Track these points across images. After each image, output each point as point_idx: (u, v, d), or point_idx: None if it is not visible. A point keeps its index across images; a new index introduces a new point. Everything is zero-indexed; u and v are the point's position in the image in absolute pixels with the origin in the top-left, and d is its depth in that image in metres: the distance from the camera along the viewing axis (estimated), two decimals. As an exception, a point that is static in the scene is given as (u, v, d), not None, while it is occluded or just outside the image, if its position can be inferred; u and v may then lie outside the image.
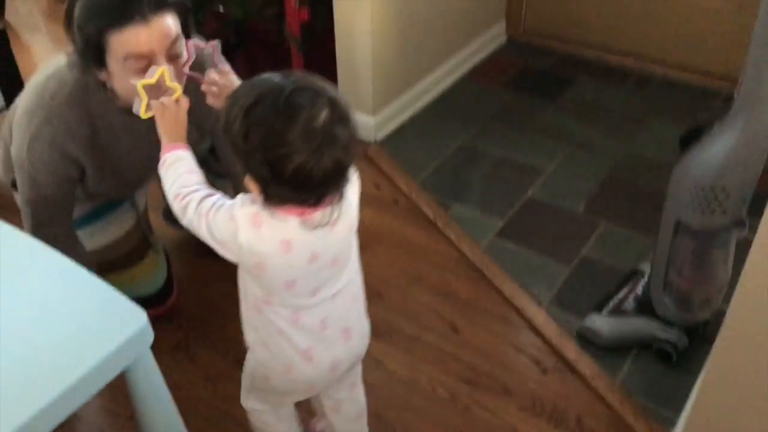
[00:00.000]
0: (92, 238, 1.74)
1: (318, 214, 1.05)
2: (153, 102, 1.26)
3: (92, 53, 1.32)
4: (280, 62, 2.44)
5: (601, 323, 1.73)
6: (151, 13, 1.28)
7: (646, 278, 1.74)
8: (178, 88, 1.28)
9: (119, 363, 1.14)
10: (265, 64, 1.13)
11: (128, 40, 1.27)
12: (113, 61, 1.31)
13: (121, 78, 1.33)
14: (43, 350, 1.11)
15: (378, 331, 1.80)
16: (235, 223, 1.07)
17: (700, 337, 1.70)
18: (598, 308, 1.76)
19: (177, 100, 1.26)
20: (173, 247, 2.00)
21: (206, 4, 2.36)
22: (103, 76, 1.36)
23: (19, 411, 1.01)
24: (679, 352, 1.65)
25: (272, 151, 0.98)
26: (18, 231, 1.35)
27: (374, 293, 1.92)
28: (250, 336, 1.25)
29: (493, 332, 1.81)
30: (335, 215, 1.06)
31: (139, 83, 1.26)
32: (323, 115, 0.98)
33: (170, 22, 1.31)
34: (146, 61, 1.29)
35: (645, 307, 1.70)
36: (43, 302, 1.19)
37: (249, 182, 1.04)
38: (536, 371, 1.71)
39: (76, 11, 1.31)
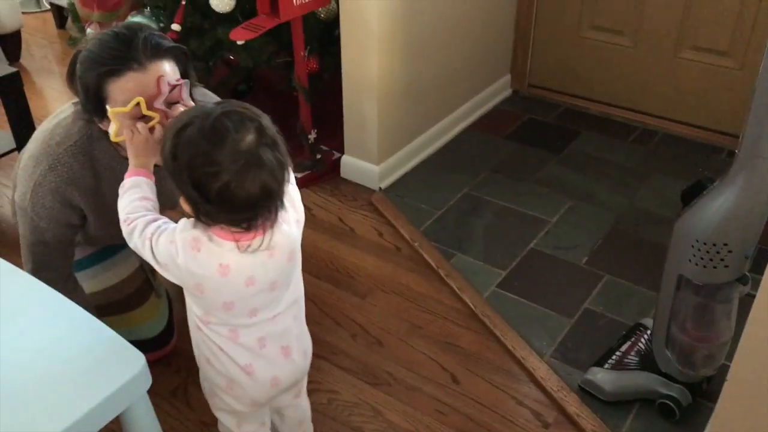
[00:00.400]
0: (94, 279, 1.74)
1: (252, 240, 1.11)
2: (125, 125, 1.28)
3: (93, 103, 1.34)
4: (288, 110, 2.48)
5: (603, 377, 1.71)
6: (147, 60, 1.30)
7: (648, 333, 1.73)
8: (155, 116, 1.30)
9: (116, 407, 1.13)
10: (273, 113, 1.15)
11: (126, 87, 1.29)
12: (112, 107, 1.32)
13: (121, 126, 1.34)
14: (40, 391, 1.11)
15: (378, 379, 1.80)
16: (174, 246, 1.13)
17: (704, 393, 1.68)
18: (600, 362, 1.75)
19: (151, 128, 1.29)
20: (176, 290, 2.00)
21: (217, 51, 2.41)
22: (104, 125, 1.38)
23: (13, 453, 1.01)
24: (682, 408, 1.63)
25: (198, 170, 1.05)
26: (22, 271, 1.36)
27: (375, 341, 1.91)
28: (196, 353, 1.30)
29: (494, 384, 1.79)
30: (267, 241, 1.11)
31: (111, 110, 1.29)
32: (249, 138, 1.05)
33: (167, 68, 1.33)
34: (136, 112, 1.29)
35: (648, 362, 1.68)
36: (42, 343, 1.19)
37: (183, 203, 1.11)
38: (537, 425, 1.68)
39: (78, 65, 1.34)
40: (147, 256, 1.18)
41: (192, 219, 1.13)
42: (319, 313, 1.99)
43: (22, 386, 1.11)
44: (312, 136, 2.50)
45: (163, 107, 1.30)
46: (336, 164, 2.58)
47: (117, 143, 1.40)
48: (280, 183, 1.09)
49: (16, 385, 1.11)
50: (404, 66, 2.40)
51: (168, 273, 1.17)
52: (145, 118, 1.29)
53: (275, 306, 1.23)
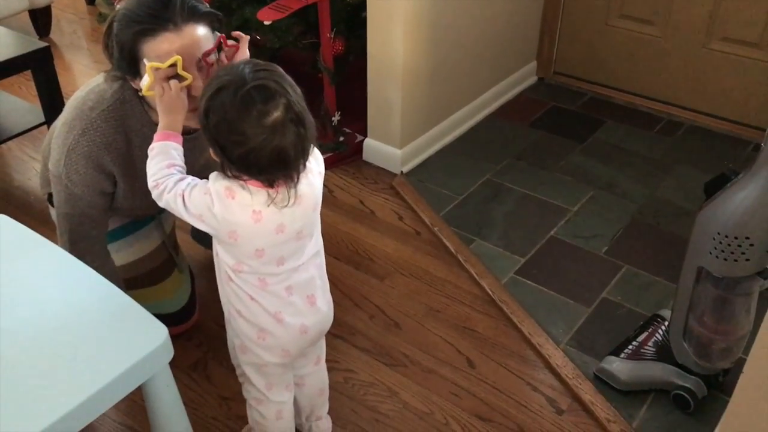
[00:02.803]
0: (117, 254, 1.77)
1: (277, 193, 1.17)
2: (157, 82, 1.30)
3: (127, 61, 1.37)
4: (312, 92, 2.48)
5: (619, 366, 1.71)
6: (183, 22, 1.33)
7: (666, 324, 1.73)
8: (189, 78, 1.32)
9: (138, 377, 1.16)
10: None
11: (160, 47, 1.32)
12: (146, 68, 1.35)
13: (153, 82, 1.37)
14: (66, 360, 1.14)
15: (394, 361, 1.82)
16: (209, 197, 1.19)
17: (719, 385, 1.68)
18: (617, 351, 1.75)
19: (183, 89, 1.32)
20: (200, 266, 2.04)
21: (243, 31, 2.42)
22: (137, 83, 1.41)
23: (40, 418, 1.04)
24: (697, 400, 1.63)
25: (223, 135, 1.13)
26: (50, 243, 1.39)
27: (392, 323, 1.93)
28: (225, 310, 1.35)
29: (509, 369, 1.80)
30: (292, 198, 1.18)
31: (149, 64, 1.30)
32: (275, 114, 1.11)
33: (201, 31, 1.36)
34: (172, 71, 1.32)
35: (664, 353, 1.68)
36: (68, 313, 1.22)
37: (213, 154, 1.18)
38: (551, 411, 1.69)
39: (115, 23, 1.37)
40: (179, 210, 1.22)
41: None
42: (338, 294, 2.01)
43: (48, 355, 1.15)
44: (336, 118, 2.51)
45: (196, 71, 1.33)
46: (359, 147, 2.59)
47: (149, 105, 1.45)
48: (299, 155, 1.16)
49: (42, 354, 1.15)
50: (430, 50, 2.40)
51: (202, 224, 1.21)
52: (178, 78, 1.32)
53: (300, 256, 1.29)
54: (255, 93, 1.11)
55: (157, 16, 1.32)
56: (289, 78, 1.17)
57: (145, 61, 1.31)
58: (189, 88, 1.33)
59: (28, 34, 2.65)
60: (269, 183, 1.17)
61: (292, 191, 1.18)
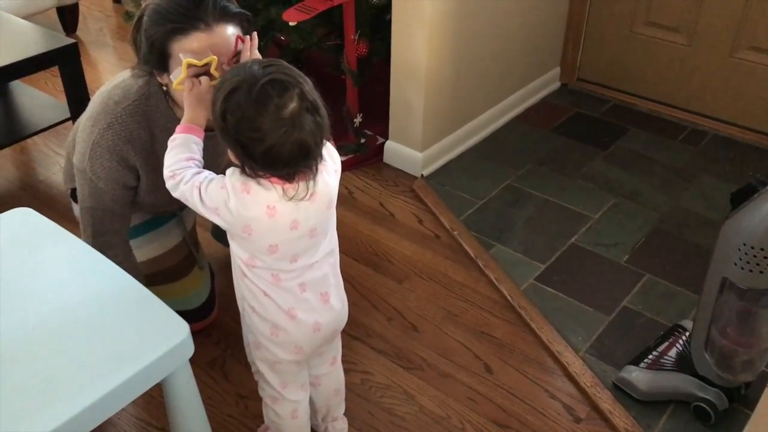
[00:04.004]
0: (138, 250, 1.78)
1: (294, 187, 1.18)
2: (188, 78, 1.32)
3: (156, 57, 1.38)
4: (335, 94, 2.49)
5: (638, 375, 1.70)
6: (214, 21, 1.34)
7: (687, 335, 1.71)
8: (218, 78, 1.32)
9: (160, 372, 1.16)
10: (320, 95, 1.19)
11: (191, 45, 1.33)
12: (175, 65, 1.36)
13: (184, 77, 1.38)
14: (87, 354, 1.14)
15: (411, 364, 1.81)
16: (226, 191, 1.20)
17: (741, 398, 1.66)
18: (636, 361, 1.73)
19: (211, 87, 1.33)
20: (219, 264, 2.05)
21: (268, 31, 2.43)
22: (164, 79, 1.42)
23: (61, 411, 1.05)
24: (718, 412, 1.61)
25: (243, 134, 1.14)
26: (73, 236, 1.41)
27: (410, 326, 1.93)
28: (240, 306, 1.36)
29: (527, 375, 1.79)
30: (310, 190, 1.20)
31: (186, 60, 1.31)
32: (291, 105, 1.12)
33: (231, 31, 1.37)
34: (204, 69, 1.33)
35: (685, 363, 1.67)
36: (90, 307, 1.23)
37: (230, 154, 1.19)
38: (569, 419, 1.68)
39: (145, 18, 1.38)
40: (194, 202, 1.23)
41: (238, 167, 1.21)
42: (356, 295, 2.01)
43: (70, 348, 1.15)
44: (357, 120, 2.51)
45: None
46: (380, 149, 2.59)
47: (174, 101, 1.47)
48: (318, 143, 1.18)
49: (64, 347, 1.16)
50: (454, 54, 2.39)
51: (217, 217, 1.22)
52: (210, 76, 1.33)
53: (313, 253, 1.30)
54: (269, 87, 1.12)
55: (189, 15, 1.33)
56: (296, 69, 1.18)
57: (181, 56, 1.32)
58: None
59: (56, 31, 2.68)
60: (290, 177, 1.17)
61: (311, 183, 1.19)
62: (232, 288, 1.37)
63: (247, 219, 1.20)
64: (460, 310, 1.98)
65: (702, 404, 1.62)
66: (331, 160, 1.27)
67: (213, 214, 1.22)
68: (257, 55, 1.39)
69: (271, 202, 1.19)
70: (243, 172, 1.19)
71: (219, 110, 1.15)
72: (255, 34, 1.40)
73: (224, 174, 1.23)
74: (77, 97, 2.31)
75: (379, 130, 2.61)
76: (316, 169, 1.20)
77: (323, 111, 1.17)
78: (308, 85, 1.16)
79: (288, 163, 1.15)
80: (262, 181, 1.18)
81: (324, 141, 1.20)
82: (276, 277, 1.28)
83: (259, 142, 1.13)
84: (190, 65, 1.31)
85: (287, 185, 1.18)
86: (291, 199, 1.19)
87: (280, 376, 1.40)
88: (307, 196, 1.20)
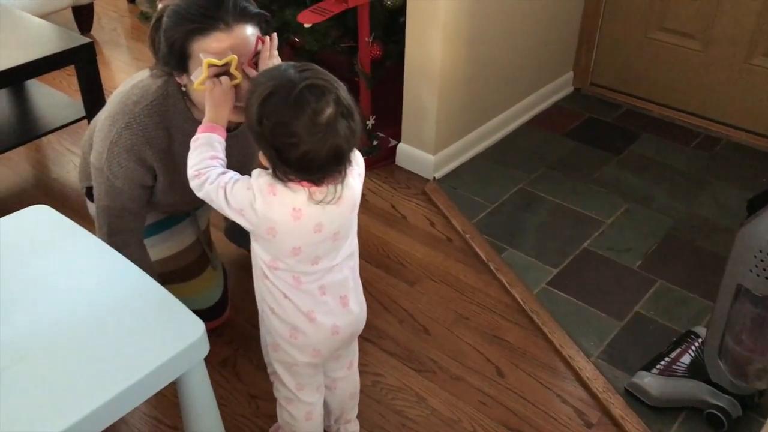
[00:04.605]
0: (152, 249, 1.79)
1: (323, 190, 1.19)
2: (209, 77, 1.32)
3: (176, 58, 1.38)
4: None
5: (650, 381, 1.69)
6: (234, 21, 1.35)
7: (700, 341, 1.70)
8: (239, 77, 1.34)
9: (175, 370, 1.17)
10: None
11: (210, 46, 1.34)
12: (194, 66, 1.37)
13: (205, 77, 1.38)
14: (103, 351, 1.15)
15: (422, 366, 1.81)
16: (252, 192, 1.20)
17: (755, 406, 1.65)
18: (649, 366, 1.73)
19: (232, 86, 1.34)
20: (233, 264, 2.05)
21: (283, 33, 2.44)
22: (183, 79, 1.43)
23: (76, 408, 1.05)
24: (731, 420, 1.60)
25: (280, 139, 1.14)
26: (89, 234, 1.41)
27: (421, 328, 1.93)
28: (260, 307, 1.36)
29: (538, 380, 1.78)
30: (338, 193, 1.20)
31: (207, 60, 1.32)
32: (328, 111, 1.12)
33: (250, 31, 1.38)
34: (224, 68, 1.34)
35: (698, 370, 1.66)
36: (106, 305, 1.24)
37: (262, 157, 1.19)
38: (580, 424, 1.68)
39: (165, 18, 1.39)
40: (220, 203, 1.24)
41: (265, 169, 1.21)
42: (368, 297, 1.97)
43: (85, 345, 1.16)
44: (370, 122, 2.52)
45: (245, 69, 1.35)
46: (392, 151, 2.60)
47: (192, 102, 1.47)
48: (351, 148, 1.18)
49: (80, 344, 1.16)
50: (467, 57, 2.39)
51: (242, 218, 1.22)
52: (230, 76, 1.33)
53: (334, 256, 1.30)
54: (307, 93, 1.12)
55: (209, 16, 1.33)
56: (330, 74, 1.18)
57: (201, 56, 1.33)
58: (236, 86, 1.35)
59: (71, 30, 2.69)
60: (319, 181, 1.18)
61: (339, 186, 1.20)
62: (245, 288, 1.38)
63: (271, 221, 1.20)
64: (472, 313, 1.98)
65: (715, 411, 1.61)
66: (356, 164, 1.27)
67: (238, 215, 1.23)
68: (276, 56, 1.39)
69: (297, 204, 1.19)
70: (274, 175, 1.18)
71: (255, 114, 1.14)
72: (275, 34, 1.41)
73: (250, 175, 1.23)
74: (92, 96, 2.32)
75: (392, 132, 2.62)
76: (345, 173, 1.20)
77: (357, 116, 1.17)
78: (343, 90, 1.16)
79: (321, 167, 1.16)
80: (288, 183, 1.18)
81: (355, 145, 1.20)
82: (297, 279, 1.28)
83: (294, 147, 1.13)
84: (210, 65, 1.31)
85: (314, 188, 1.18)
86: (319, 202, 1.19)
87: (297, 378, 1.40)
88: (335, 200, 1.20)
